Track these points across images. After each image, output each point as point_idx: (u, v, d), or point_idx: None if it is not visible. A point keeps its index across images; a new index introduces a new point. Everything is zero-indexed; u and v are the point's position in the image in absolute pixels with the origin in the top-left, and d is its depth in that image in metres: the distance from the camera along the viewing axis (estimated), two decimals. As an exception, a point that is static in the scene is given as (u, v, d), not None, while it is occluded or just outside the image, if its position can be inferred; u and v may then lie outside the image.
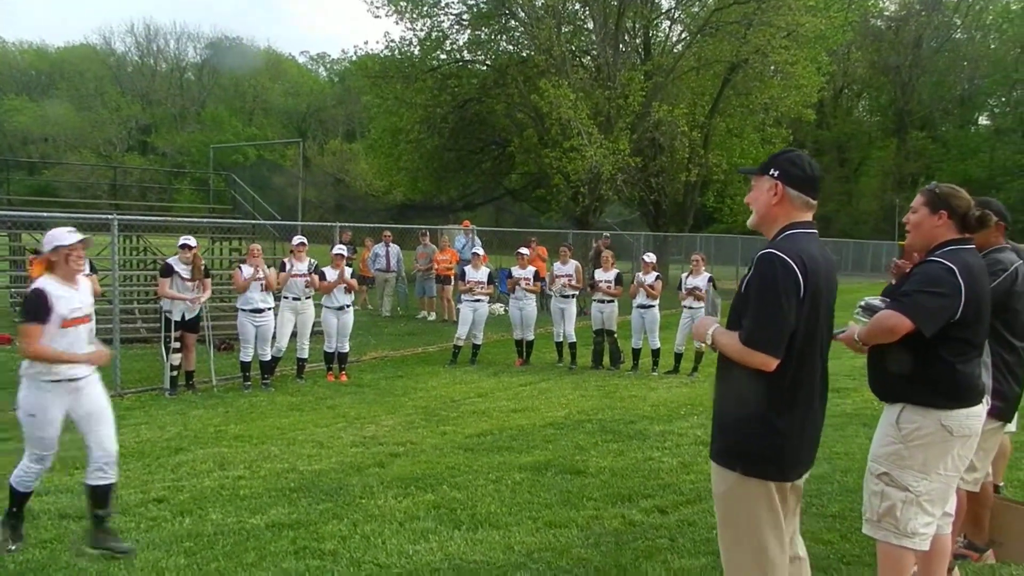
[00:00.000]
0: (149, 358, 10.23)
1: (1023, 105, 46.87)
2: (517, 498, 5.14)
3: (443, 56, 25.63)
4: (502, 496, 5.17)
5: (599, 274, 10.99)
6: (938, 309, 2.95)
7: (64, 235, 4.23)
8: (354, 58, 32.92)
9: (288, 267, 9.51)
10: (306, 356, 9.92)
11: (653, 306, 10.57)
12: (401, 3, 24.37)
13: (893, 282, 3.37)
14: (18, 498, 4.36)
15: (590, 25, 24.63)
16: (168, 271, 8.88)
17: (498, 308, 14.97)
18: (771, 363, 2.56)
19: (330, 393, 9.12)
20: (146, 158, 54.43)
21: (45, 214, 11.15)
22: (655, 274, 10.66)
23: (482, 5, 24.53)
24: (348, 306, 9.89)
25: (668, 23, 26.78)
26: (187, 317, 8.93)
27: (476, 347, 11.48)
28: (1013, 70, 43.74)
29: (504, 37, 25.49)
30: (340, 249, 10.07)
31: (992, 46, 46.65)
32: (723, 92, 23.93)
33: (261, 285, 9.17)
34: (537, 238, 17.05)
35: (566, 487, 5.38)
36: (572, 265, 11.48)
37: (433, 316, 16.36)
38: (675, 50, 24.99)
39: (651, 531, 4.53)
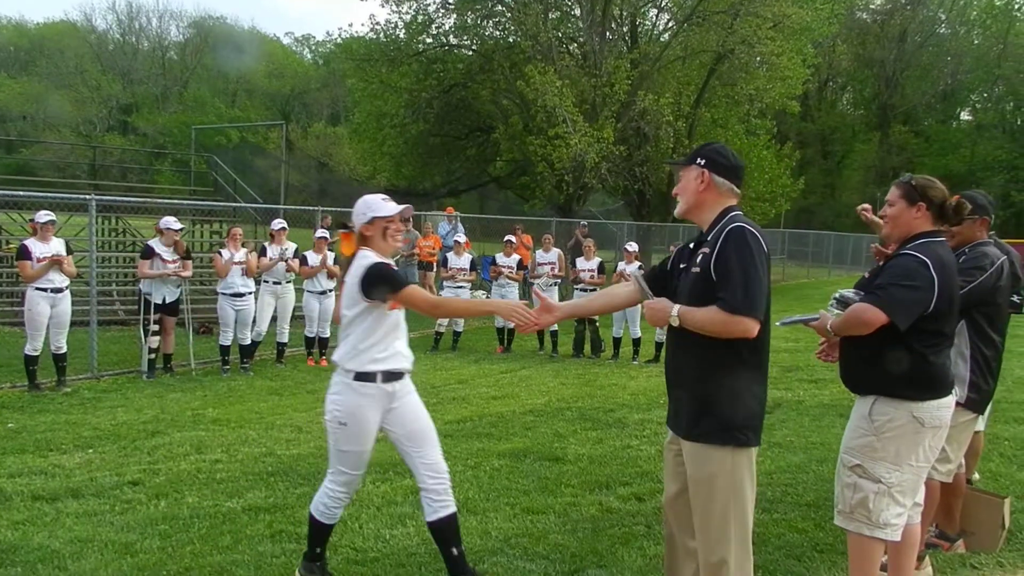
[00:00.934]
0: (127, 340, 10.15)
1: (1004, 101, 47.29)
2: (495, 484, 5.15)
3: (429, 40, 25.41)
4: (480, 482, 5.18)
5: (581, 263, 11.01)
6: (912, 303, 2.97)
7: (381, 204, 3.44)
8: (339, 40, 32.57)
9: (269, 253, 9.46)
10: (286, 340, 9.90)
11: (635, 295, 10.59)
12: (387, -15, 24.14)
13: (879, 263, 3.39)
14: (323, 533, 3.60)
15: (577, 12, 24.52)
16: (149, 253, 8.81)
17: (480, 295, 14.96)
18: (754, 329, 2.68)
19: (310, 378, 9.08)
20: (127, 138, 53.52)
21: (22, 193, 11.00)
22: (637, 263, 10.70)
23: (469, -11, 24.35)
24: (330, 291, 9.86)
25: (655, 11, 26.71)
26: (167, 300, 8.86)
27: (457, 334, 11.48)
28: (995, 66, 43.99)
29: (490, 22, 25.30)
30: (323, 233, 10.02)
31: (975, 42, 46.92)
32: (709, 82, 23.88)
33: (242, 269, 9.11)
34: (522, 226, 17.02)
35: (544, 474, 5.40)
36: (555, 253, 11.50)
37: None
38: (662, 39, 24.94)
39: (628, 518, 4.56)
